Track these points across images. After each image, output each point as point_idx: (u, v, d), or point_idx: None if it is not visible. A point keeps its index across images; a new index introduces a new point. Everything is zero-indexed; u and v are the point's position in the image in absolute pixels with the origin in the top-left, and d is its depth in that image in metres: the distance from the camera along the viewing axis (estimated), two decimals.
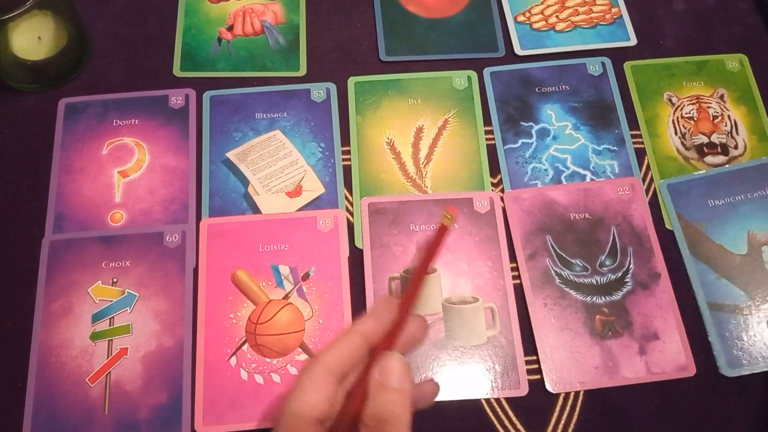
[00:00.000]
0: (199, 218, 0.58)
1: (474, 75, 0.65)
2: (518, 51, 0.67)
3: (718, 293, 0.56)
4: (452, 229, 0.52)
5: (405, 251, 0.57)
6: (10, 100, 0.63)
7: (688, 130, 0.63)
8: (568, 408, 0.52)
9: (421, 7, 0.70)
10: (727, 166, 0.61)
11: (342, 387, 0.35)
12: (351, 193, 0.60)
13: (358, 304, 0.55)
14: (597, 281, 0.56)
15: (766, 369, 0.53)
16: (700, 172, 0.61)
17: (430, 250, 0.50)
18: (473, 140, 0.62)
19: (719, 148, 0.62)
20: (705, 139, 0.63)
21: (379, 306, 0.38)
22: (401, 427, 0.33)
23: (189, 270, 0.56)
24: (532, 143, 0.62)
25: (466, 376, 0.53)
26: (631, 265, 0.57)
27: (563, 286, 0.56)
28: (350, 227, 0.58)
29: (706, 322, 0.55)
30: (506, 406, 0.52)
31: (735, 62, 0.67)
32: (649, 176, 0.61)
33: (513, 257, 0.57)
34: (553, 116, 0.64)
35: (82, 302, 0.54)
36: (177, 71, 0.65)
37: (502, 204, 0.59)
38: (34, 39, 0.61)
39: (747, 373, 0.53)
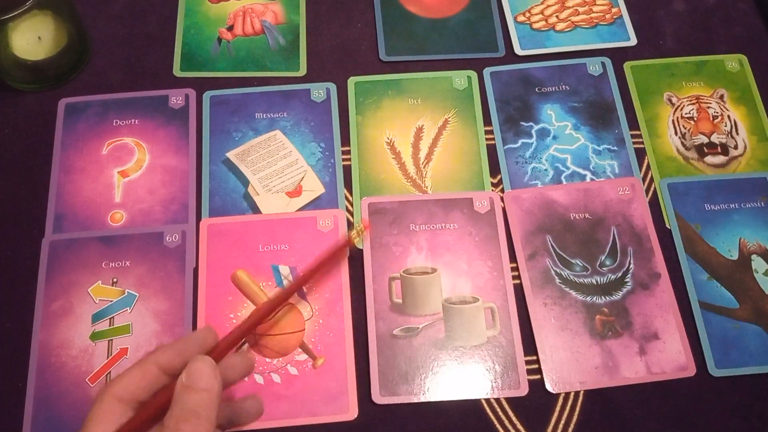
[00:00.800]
0: (199, 218, 0.58)
1: (474, 75, 0.65)
2: (518, 51, 0.67)
3: (710, 294, 0.56)
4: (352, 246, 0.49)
5: (405, 251, 0.57)
6: (10, 100, 0.63)
7: (688, 130, 0.63)
8: (568, 408, 0.52)
9: (421, 7, 0.70)
10: (725, 174, 0.61)
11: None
12: (351, 193, 0.60)
13: (358, 304, 0.55)
14: (597, 281, 0.56)
15: (751, 372, 0.53)
16: (700, 175, 0.61)
17: (322, 263, 0.44)
18: (473, 140, 0.62)
19: (719, 148, 0.62)
20: (705, 139, 0.63)
21: (193, 337, 0.38)
22: (202, 425, 0.33)
23: (189, 270, 0.56)
24: (532, 143, 0.62)
25: (466, 376, 0.53)
26: (631, 265, 0.57)
27: (563, 286, 0.56)
28: (350, 227, 0.58)
29: (697, 321, 0.55)
30: (506, 406, 0.52)
31: (735, 62, 0.67)
32: (649, 176, 0.61)
33: (513, 257, 0.57)
34: (553, 116, 0.64)
35: (82, 302, 0.54)
36: (177, 71, 0.65)
37: (502, 204, 0.59)
38: (34, 39, 0.61)
39: (732, 374, 0.53)
